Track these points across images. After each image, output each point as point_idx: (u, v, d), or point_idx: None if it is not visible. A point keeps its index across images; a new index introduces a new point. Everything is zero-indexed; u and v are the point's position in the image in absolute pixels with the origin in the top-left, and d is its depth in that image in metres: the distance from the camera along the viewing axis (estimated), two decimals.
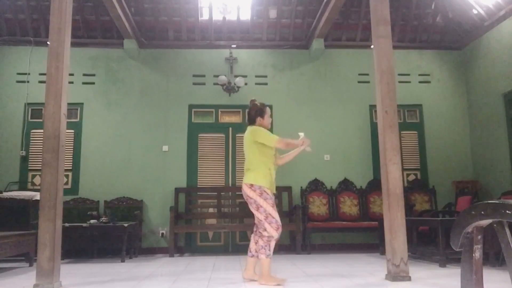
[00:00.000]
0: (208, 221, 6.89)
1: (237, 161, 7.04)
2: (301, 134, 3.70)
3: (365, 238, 6.82)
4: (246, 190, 3.60)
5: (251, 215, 6.77)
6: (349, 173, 7.05)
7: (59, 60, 3.74)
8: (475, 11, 6.73)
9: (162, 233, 6.71)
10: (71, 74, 6.46)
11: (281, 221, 3.64)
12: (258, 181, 3.56)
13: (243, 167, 6.84)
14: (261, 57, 7.40)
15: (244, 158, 3.91)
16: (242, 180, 3.80)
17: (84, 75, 7.11)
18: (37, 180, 6.70)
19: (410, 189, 6.91)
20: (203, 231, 6.80)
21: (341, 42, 7.47)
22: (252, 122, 3.83)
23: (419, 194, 6.93)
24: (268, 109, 3.86)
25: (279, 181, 6.92)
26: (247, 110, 3.89)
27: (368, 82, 7.19)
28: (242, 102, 7.12)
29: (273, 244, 3.53)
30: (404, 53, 7.43)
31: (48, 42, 3.82)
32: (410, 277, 3.67)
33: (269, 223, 3.49)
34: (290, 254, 6.17)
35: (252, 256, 3.70)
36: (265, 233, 3.50)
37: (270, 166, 3.66)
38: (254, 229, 3.73)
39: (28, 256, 5.12)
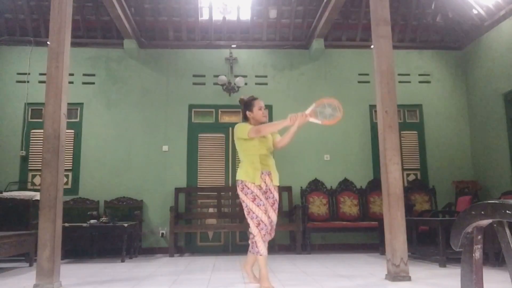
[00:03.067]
0: (208, 221, 6.89)
1: (237, 161, 7.03)
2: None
3: (365, 238, 6.82)
4: (237, 186, 3.54)
5: None
6: (349, 173, 7.05)
7: (59, 60, 3.74)
8: (475, 11, 6.73)
9: (162, 233, 6.71)
10: (71, 74, 6.46)
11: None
12: (240, 176, 3.48)
13: None
14: (261, 57, 7.40)
15: None
16: None
17: (84, 75, 7.11)
18: (37, 180, 6.70)
19: (410, 189, 6.91)
20: (203, 231, 6.80)
21: (341, 42, 7.47)
22: (244, 118, 3.70)
23: (419, 194, 6.93)
24: (257, 101, 3.64)
25: (279, 180, 6.97)
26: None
27: (368, 82, 7.19)
28: None
29: (260, 243, 3.33)
30: (404, 53, 7.43)
31: (48, 42, 3.82)
32: (410, 277, 3.67)
33: (250, 218, 3.35)
34: (290, 254, 6.17)
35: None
36: (250, 230, 3.41)
37: (253, 158, 3.49)
38: None
39: (28, 256, 5.12)
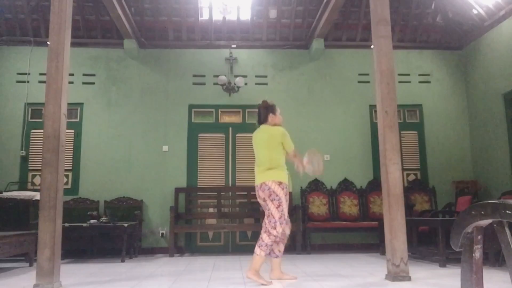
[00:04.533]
0: (208, 221, 6.89)
1: (237, 161, 7.04)
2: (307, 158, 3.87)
3: (365, 238, 6.82)
4: (273, 186, 3.57)
5: (251, 215, 6.81)
6: (349, 173, 7.05)
7: (59, 60, 3.74)
8: (475, 11, 6.73)
9: (162, 233, 6.71)
10: (71, 74, 6.46)
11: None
12: (286, 180, 3.64)
13: (243, 167, 6.94)
14: (261, 57, 7.40)
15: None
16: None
17: (84, 75, 7.11)
18: (37, 180, 6.70)
19: (410, 189, 6.91)
20: (203, 231, 6.80)
21: (341, 42, 7.47)
22: (264, 120, 3.84)
23: (419, 194, 6.93)
24: (277, 107, 3.92)
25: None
26: (258, 110, 3.90)
27: (368, 82, 7.19)
28: (242, 102, 7.13)
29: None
30: (404, 53, 7.43)
31: (48, 42, 3.82)
32: (410, 277, 3.67)
33: (280, 223, 3.54)
34: (290, 254, 6.16)
35: (277, 256, 3.72)
36: (273, 232, 3.52)
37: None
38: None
39: (28, 256, 5.12)
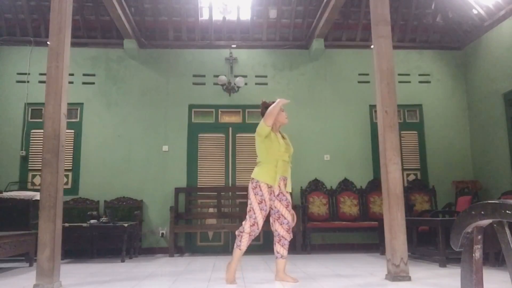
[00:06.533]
0: (208, 221, 6.89)
1: (237, 161, 7.04)
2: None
3: (365, 238, 6.82)
4: (249, 185, 3.68)
5: None
6: (349, 173, 7.05)
7: (59, 60, 3.74)
8: (475, 11, 6.73)
9: (162, 233, 6.71)
10: (71, 74, 6.46)
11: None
12: (257, 175, 3.62)
13: (243, 167, 6.94)
14: (261, 57, 7.40)
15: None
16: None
17: (84, 75, 7.11)
18: (37, 180, 6.70)
19: (410, 189, 6.91)
20: (203, 231, 6.80)
21: (341, 42, 7.47)
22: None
23: (419, 194, 6.93)
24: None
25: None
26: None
27: (368, 82, 7.19)
28: (242, 102, 7.14)
29: (245, 239, 3.55)
30: (404, 53, 7.43)
31: (48, 42, 3.82)
32: (410, 277, 3.67)
33: (249, 216, 3.58)
34: (290, 254, 6.12)
35: (282, 257, 3.71)
36: (243, 225, 3.59)
37: (277, 162, 3.62)
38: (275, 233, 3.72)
39: (28, 256, 5.12)
